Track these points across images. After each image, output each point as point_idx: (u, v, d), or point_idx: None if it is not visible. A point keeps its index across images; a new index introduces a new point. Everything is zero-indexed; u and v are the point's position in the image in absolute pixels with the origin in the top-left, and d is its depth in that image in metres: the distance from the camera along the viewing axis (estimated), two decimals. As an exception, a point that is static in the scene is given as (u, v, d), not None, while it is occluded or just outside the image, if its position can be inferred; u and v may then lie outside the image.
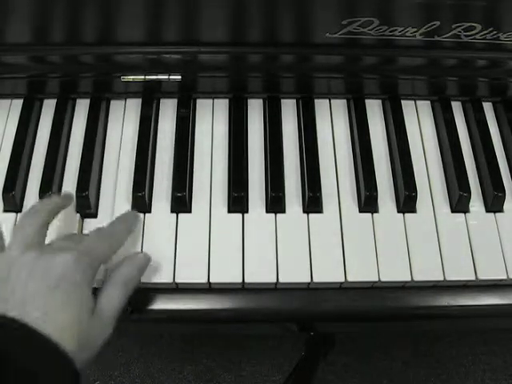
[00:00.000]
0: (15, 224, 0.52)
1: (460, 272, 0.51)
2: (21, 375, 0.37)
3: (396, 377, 1.11)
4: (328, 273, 0.50)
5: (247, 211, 0.53)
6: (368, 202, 0.53)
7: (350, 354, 1.12)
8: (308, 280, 0.50)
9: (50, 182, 0.54)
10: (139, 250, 0.51)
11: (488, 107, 0.61)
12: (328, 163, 0.56)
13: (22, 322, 0.38)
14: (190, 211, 0.53)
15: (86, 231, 0.53)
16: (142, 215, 0.53)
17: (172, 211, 0.53)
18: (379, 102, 0.61)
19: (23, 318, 0.38)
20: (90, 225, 0.53)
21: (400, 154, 0.56)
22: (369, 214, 0.53)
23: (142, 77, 0.57)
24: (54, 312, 0.40)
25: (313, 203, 0.53)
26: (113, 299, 0.45)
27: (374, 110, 0.60)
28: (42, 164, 0.55)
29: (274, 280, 0.50)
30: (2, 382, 0.36)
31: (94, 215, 0.54)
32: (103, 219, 0.53)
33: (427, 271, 0.51)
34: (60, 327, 0.40)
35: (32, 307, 0.40)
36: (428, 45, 0.53)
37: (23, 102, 0.60)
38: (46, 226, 0.47)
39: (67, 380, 0.39)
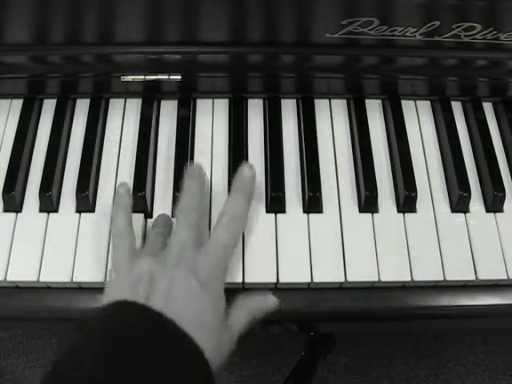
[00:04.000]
0: (15, 224, 0.53)
1: (460, 272, 0.51)
2: (159, 367, 0.37)
3: (396, 377, 1.11)
4: (328, 273, 0.50)
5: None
6: (368, 202, 0.53)
7: (350, 354, 1.12)
8: (308, 280, 0.50)
9: (50, 182, 0.54)
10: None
11: (488, 107, 0.61)
12: (328, 163, 0.56)
13: (166, 317, 0.39)
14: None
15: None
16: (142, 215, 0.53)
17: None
18: (379, 101, 0.61)
19: (167, 314, 0.40)
20: (87, 220, 0.53)
21: (400, 153, 0.56)
22: (369, 214, 0.53)
23: (142, 77, 0.57)
24: (196, 314, 0.42)
25: (313, 203, 0.53)
26: (240, 319, 0.46)
27: (374, 110, 0.60)
28: (42, 164, 0.55)
29: (274, 280, 0.50)
30: (143, 370, 0.37)
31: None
32: (101, 219, 0.53)
33: (427, 271, 0.51)
34: (199, 329, 0.41)
35: (175, 306, 0.41)
36: (428, 45, 0.53)
37: (23, 102, 0.59)
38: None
39: (203, 378, 0.40)
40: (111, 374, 0.36)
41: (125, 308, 0.41)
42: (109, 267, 0.50)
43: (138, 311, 0.41)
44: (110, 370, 0.36)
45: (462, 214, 0.54)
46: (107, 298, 0.44)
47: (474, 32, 0.51)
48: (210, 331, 0.42)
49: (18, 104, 0.60)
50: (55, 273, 0.50)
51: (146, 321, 0.40)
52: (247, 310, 0.47)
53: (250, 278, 0.50)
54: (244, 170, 0.50)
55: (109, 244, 0.51)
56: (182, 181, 0.50)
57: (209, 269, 0.45)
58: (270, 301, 0.48)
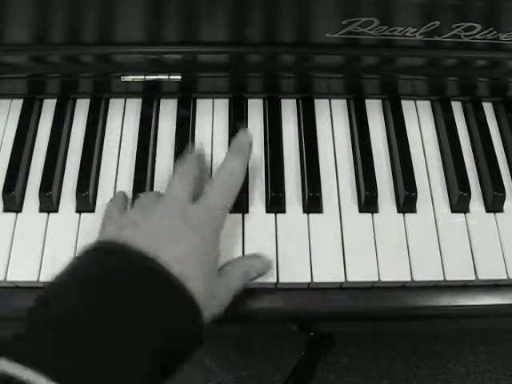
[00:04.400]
0: (15, 224, 0.53)
1: (460, 272, 0.51)
2: (148, 305, 0.37)
3: (396, 377, 1.11)
4: (328, 273, 0.50)
5: (247, 211, 0.53)
6: (368, 202, 0.53)
7: (350, 354, 1.12)
8: (308, 280, 0.50)
9: (50, 182, 0.54)
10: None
11: (488, 107, 0.61)
12: (328, 163, 0.56)
13: (154, 258, 0.39)
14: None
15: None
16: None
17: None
18: (379, 101, 0.61)
19: (158, 254, 0.39)
20: (87, 220, 0.53)
21: (400, 153, 0.56)
22: (369, 214, 0.53)
23: (142, 77, 0.57)
24: (183, 254, 0.41)
25: (313, 203, 0.53)
26: (236, 274, 0.46)
27: (374, 110, 0.60)
28: (42, 164, 0.55)
29: (274, 280, 0.50)
30: (132, 310, 0.36)
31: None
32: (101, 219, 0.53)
33: (427, 271, 0.51)
34: (187, 268, 0.40)
35: (159, 244, 0.40)
36: (428, 45, 0.53)
37: (23, 102, 0.59)
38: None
39: (192, 317, 0.39)
40: (90, 310, 0.36)
41: (105, 246, 0.41)
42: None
43: (118, 248, 0.40)
44: (89, 307, 0.36)
45: (462, 214, 0.54)
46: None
47: (474, 32, 0.51)
48: (200, 274, 0.41)
49: (18, 104, 0.59)
50: (55, 273, 0.50)
51: (126, 258, 0.39)
52: (242, 265, 0.48)
53: (250, 278, 0.50)
54: (241, 136, 0.51)
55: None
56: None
57: (200, 217, 0.44)
58: (263, 261, 0.49)
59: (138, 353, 0.36)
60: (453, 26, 0.51)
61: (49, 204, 0.53)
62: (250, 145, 0.50)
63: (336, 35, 0.52)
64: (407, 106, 0.60)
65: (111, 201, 0.52)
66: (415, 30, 0.51)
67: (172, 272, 0.39)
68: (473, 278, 0.51)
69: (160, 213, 0.44)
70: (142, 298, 0.38)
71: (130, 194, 0.54)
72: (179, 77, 0.57)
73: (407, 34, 0.52)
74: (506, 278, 0.51)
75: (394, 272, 0.51)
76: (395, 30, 0.51)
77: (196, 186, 0.47)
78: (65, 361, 0.34)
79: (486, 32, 0.51)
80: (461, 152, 0.57)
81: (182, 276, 0.39)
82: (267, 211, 0.53)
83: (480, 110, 0.60)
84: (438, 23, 0.50)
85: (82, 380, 0.33)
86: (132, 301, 0.37)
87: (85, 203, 0.53)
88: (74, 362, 0.34)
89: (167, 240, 0.41)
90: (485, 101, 0.61)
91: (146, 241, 0.40)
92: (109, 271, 0.38)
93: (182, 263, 0.40)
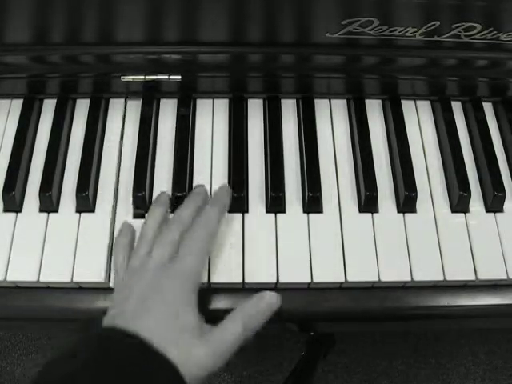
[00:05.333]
0: (15, 224, 0.53)
1: (460, 272, 0.51)
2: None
3: (396, 377, 1.11)
4: (328, 273, 0.50)
5: (247, 211, 0.53)
6: (368, 202, 0.53)
7: (350, 354, 1.12)
8: (308, 280, 0.50)
9: (50, 182, 0.54)
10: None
11: (488, 107, 0.61)
12: (328, 163, 0.56)
13: (138, 335, 0.41)
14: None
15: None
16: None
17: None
18: (379, 101, 0.61)
19: (131, 328, 0.41)
20: (87, 220, 0.53)
21: (400, 153, 0.56)
22: (369, 214, 0.53)
23: (142, 77, 0.57)
24: (163, 326, 0.42)
25: (313, 203, 0.53)
26: (228, 333, 0.44)
27: (374, 110, 0.60)
28: (42, 164, 0.55)
29: (274, 280, 0.50)
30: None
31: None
32: (101, 219, 0.53)
33: (427, 271, 0.51)
34: (166, 340, 0.41)
35: (140, 318, 0.43)
36: (428, 45, 0.53)
37: (23, 102, 0.59)
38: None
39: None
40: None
41: (103, 331, 0.43)
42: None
43: (109, 332, 0.42)
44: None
45: (462, 214, 0.54)
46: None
47: (474, 32, 0.51)
48: (178, 345, 0.42)
49: (18, 104, 0.60)
50: (55, 273, 0.50)
51: (117, 340, 0.41)
52: (236, 321, 0.44)
53: (250, 278, 0.50)
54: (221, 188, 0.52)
55: (109, 244, 0.51)
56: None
57: (170, 285, 0.45)
58: (267, 300, 0.46)
59: None
60: (453, 26, 0.51)
61: (49, 204, 0.53)
62: (229, 196, 0.51)
63: (336, 35, 0.52)
64: (407, 105, 0.60)
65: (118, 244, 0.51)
66: (415, 30, 0.51)
67: (153, 346, 0.40)
68: (473, 277, 0.51)
69: (137, 290, 0.45)
70: (130, 373, 0.39)
71: (129, 195, 0.54)
72: (179, 77, 0.57)
73: (407, 34, 0.52)
74: (505, 278, 0.51)
75: (394, 272, 0.51)
76: (395, 30, 0.51)
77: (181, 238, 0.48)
78: None
79: (485, 32, 0.51)
80: (461, 152, 0.57)
81: (160, 347, 0.40)
82: (267, 211, 0.53)
83: (480, 110, 0.60)
84: (437, 23, 0.50)
85: None
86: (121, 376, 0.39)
87: (85, 203, 0.53)
88: None
89: (144, 317, 0.43)
90: (485, 101, 0.61)
91: (129, 319, 0.43)
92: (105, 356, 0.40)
93: (159, 335, 0.41)
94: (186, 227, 0.48)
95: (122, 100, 0.60)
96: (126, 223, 0.52)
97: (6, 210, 0.54)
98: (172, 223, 0.48)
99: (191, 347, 0.42)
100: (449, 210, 0.54)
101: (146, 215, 0.50)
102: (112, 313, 0.44)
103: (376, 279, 0.50)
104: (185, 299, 0.44)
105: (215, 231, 0.49)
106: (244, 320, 0.45)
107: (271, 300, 0.46)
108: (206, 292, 0.50)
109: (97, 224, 0.53)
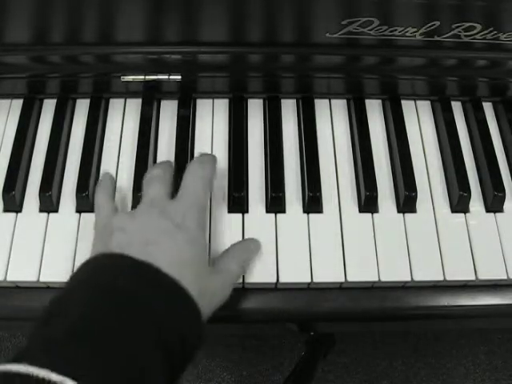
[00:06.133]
0: (15, 224, 0.53)
1: (460, 272, 0.51)
2: (147, 311, 0.38)
3: (396, 377, 1.11)
4: (328, 273, 0.50)
5: (247, 211, 0.53)
6: (368, 202, 0.53)
7: (350, 354, 1.12)
8: (308, 280, 0.50)
9: (50, 182, 0.54)
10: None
11: (488, 107, 0.61)
12: (328, 163, 0.56)
13: (145, 261, 0.40)
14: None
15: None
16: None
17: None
18: (379, 101, 0.61)
19: (147, 259, 0.40)
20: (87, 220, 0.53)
21: (400, 153, 0.56)
22: (369, 214, 0.53)
23: (142, 77, 0.57)
24: (174, 254, 0.42)
25: (313, 203, 0.53)
26: (231, 265, 0.47)
27: (374, 110, 0.60)
28: (42, 164, 0.55)
29: (274, 280, 0.50)
30: (128, 318, 0.37)
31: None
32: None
33: (427, 271, 0.51)
34: (180, 269, 0.41)
35: (150, 249, 0.41)
36: (428, 45, 0.53)
37: (23, 102, 0.59)
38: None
39: (192, 317, 0.40)
40: (96, 321, 0.36)
41: (103, 259, 0.42)
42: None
43: (116, 260, 0.41)
44: (95, 317, 0.37)
45: (462, 214, 0.54)
46: (92, 251, 0.45)
47: (474, 32, 0.51)
48: (193, 272, 0.42)
49: (18, 104, 0.59)
50: (55, 273, 0.50)
51: (124, 268, 0.40)
52: (237, 255, 0.48)
53: (251, 279, 0.50)
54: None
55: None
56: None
57: (181, 212, 0.45)
58: (253, 245, 0.50)
59: (148, 350, 0.36)
60: (453, 26, 0.51)
61: (49, 204, 0.53)
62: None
63: (336, 35, 0.52)
64: (407, 105, 0.60)
65: (99, 188, 0.52)
66: (415, 29, 0.51)
67: (167, 274, 0.39)
68: (473, 277, 0.51)
69: (143, 216, 0.45)
70: (141, 303, 0.38)
71: (129, 194, 0.54)
72: (179, 77, 0.57)
73: (407, 34, 0.52)
74: (506, 278, 0.51)
75: (394, 272, 0.51)
76: (395, 30, 0.51)
77: (172, 186, 0.48)
78: (85, 358, 0.34)
79: (485, 32, 0.51)
80: (461, 152, 0.57)
81: (175, 276, 0.40)
82: (267, 211, 0.53)
83: (480, 110, 0.60)
84: (437, 23, 0.50)
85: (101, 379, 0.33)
86: (131, 307, 0.38)
87: (85, 203, 0.53)
88: (94, 363, 0.34)
89: (155, 243, 0.42)
90: (485, 101, 0.61)
91: (136, 246, 0.41)
92: (109, 281, 0.39)
93: (173, 263, 0.41)
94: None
95: (122, 100, 0.60)
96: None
97: (5, 210, 0.54)
98: (161, 166, 0.50)
99: (208, 281, 0.43)
100: (449, 210, 0.54)
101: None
102: (117, 241, 0.43)
103: (376, 279, 0.50)
104: (201, 224, 0.46)
105: (213, 170, 0.49)
106: (243, 257, 0.48)
107: (256, 246, 0.50)
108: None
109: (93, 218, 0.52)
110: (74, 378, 0.31)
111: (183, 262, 0.42)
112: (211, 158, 0.51)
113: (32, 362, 0.32)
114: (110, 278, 0.39)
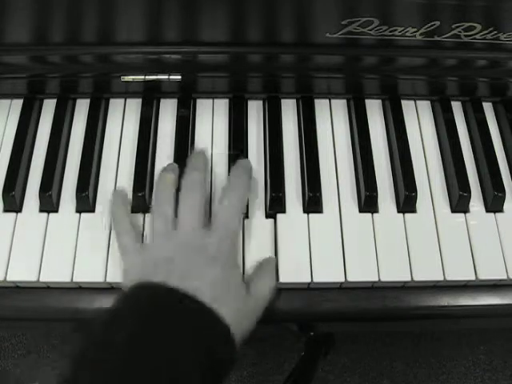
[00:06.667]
0: (15, 224, 0.53)
1: (460, 272, 0.51)
2: (182, 338, 0.40)
3: (396, 377, 1.11)
4: (328, 273, 0.50)
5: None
6: (368, 202, 0.53)
7: (350, 354, 1.12)
8: (308, 280, 0.50)
9: (50, 182, 0.54)
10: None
11: (488, 107, 0.61)
12: (328, 163, 0.56)
13: (184, 291, 0.42)
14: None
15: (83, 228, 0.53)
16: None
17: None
18: (379, 101, 0.61)
19: (184, 289, 0.42)
20: (87, 220, 0.53)
21: (400, 153, 0.56)
22: (369, 214, 0.53)
23: (142, 77, 0.57)
24: (215, 285, 0.44)
25: (313, 203, 0.53)
26: (265, 283, 0.48)
27: (374, 110, 0.60)
28: (42, 164, 0.55)
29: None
30: (163, 345, 0.39)
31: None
32: (101, 219, 0.53)
33: (427, 271, 0.51)
34: (218, 301, 0.43)
35: (191, 278, 0.44)
36: (428, 45, 0.53)
37: (23, 102, 0.59)
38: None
39: (224, 345, 0.42)
40: (140, 351, 0.39)
41: (150, 290, 0.43)
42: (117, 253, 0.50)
43: (162, 292, 0.43)
44: (139, 348, 0.39)
45: (462, 214, 0.54)
46: (127, 280, 0.47)
47: (474, 32, 0.51)
48: (229, 302, 0.44)
49: (18, 104, 0.60)
50: (55, 273, 0.50)
51: (172, 301, 0.42)
52: (268, 272, 0.49)
53: (250, 278, 0.50)
54: (242, 161, 0.53)
55: (109, 244, 0.51)
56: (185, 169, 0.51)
57: (216, 245, 0.46)
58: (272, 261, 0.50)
59: (189, 369, 0.39)
60: (453, 26, 0.51)
61: (49, 204, 0.53)
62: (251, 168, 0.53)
63: (336, 35, 0.52)
64: (407, 105, 0.60)
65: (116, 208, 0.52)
66: (415, 29, 0.51)
67: (207, 306, 0.42)
68: (473, 277, 0.51)
69: (183, 251, 0.46)
70: (181, 329, 0.41)
71: (129, 194, 0.54)
72: (179, 77, 0.57)
73: (407, 34, 0.52)
74: (506, 278, 0.51)
75: (394, 272, 0.51)
76: (395, 30, 0.51)
77: (205, 207, 0.49)
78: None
79: (485, 32, 0.51)
80: (461, 152, 0.57)
81: (213, 305, 0.42)
82: (267, 211, 0.53)
83: (480, 110, 0.60)
84: (437, 23, 0.50)
85: None
86: (172, 332, 0.41)
87: (85, 203, 0.53)
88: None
89: (196, 278, 0.44)
90: (485, 101, 0.61)
91: (178, 280, 0.43)
92: (156, 313, 0.42)
93: (212, 296, 0.43)
94: (204, 190, 0.49)
95: (122, 100, 0.60)
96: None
97: (6, 210, 0.54)
98: (190, 188, 0.49)
99: (245, 305, 0.45)
100: (449, 209, 0.54)
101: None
102: (149, 273, 0.45)
103: (376, 279, 0.50)
104: (230, 257, 0.47)
105: (247, 190, 0.51)
106: (272, 273, 0.49)
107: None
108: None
109: (97, 224, 0.52)
110: None
111: (221, 293, 0.44)
112: (245, 180, 0.51)
113: None
114: (157, 310, 0.42)
